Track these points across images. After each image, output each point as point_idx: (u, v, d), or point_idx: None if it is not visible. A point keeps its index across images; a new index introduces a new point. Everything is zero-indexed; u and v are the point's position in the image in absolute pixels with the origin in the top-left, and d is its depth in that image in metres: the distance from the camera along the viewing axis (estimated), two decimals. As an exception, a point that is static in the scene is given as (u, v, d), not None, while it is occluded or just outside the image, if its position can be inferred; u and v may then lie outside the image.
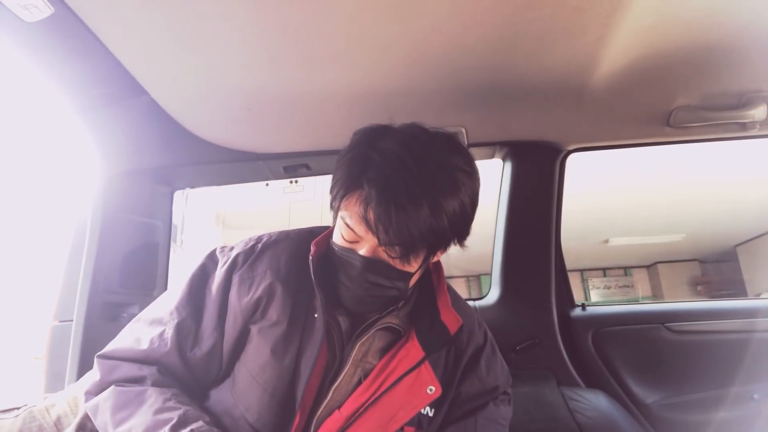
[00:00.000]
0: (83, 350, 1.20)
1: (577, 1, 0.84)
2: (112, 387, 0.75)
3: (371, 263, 0.73)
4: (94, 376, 0.78)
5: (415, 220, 0.67)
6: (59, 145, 1.37)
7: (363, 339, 0.81)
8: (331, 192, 0.76)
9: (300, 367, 0.78)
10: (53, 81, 1.05)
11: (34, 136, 1.39)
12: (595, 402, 1.27)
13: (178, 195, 1.55)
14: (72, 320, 1.24)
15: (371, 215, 0.69)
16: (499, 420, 0.86)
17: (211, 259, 0.86)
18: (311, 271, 0.78)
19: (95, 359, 0.80)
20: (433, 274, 0.88)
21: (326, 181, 0.84)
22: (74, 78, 1.05)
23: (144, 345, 0.78)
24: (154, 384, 0.74)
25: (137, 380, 0.75)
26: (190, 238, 4.21)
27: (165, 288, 1.45)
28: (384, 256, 0.73)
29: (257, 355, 0.78)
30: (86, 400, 0.77)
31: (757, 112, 1.19)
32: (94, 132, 1.24)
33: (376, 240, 0.71)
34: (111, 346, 0.81)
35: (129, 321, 0.86)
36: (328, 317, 0.80)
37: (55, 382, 1.23)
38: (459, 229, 0.74)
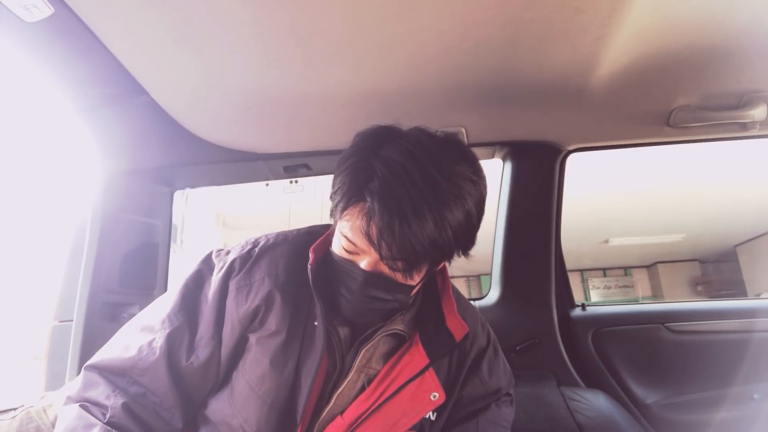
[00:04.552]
0: (83, 350, 1.20)
1: (576, 1, 0.84)
2: (77, 407, 0.73)
3: (372, 277, 0.71)
4: (77, 383, 0.77)
5: (419, 235, 0.65)
6: (59, 145, 1.37)
7: (367, 345, 0.80)
8: (331, 199, 0.74)
9: (300, 377, 0.77)
10: (53, 81, 1.05)
11: (34, 136, 1.39)
12: (595, 402, 1.27)
13: (178, 195, 1.55)
14: (72, 320, 1.24)
15: (373, 230, 0.66)
16: (500, 422, 0.86)
17: (207, 264, 0.84)
18: (310, 280, 0.76)
19: (83, 369, 0.78)
20: (437, 276, 0.87)
21: (326, 181, 0.83)
22: (74, 78, 1.05)
23: (132, 353, 0.76)
24: (111, 421, 0.71)
25: (103, 408, 0.72)
26: (190, 238, 4.21)
27: (165, 288, 1.45)
28: (385, 270, 0.71)
29: (256, 366, 0.77)
30: (64, 404, 0.76)
31: (757, 112, 1.19)
32: (94, 132, 1.24)
33: (377, 255, 0.68)
34: (100, 355, 0.79)
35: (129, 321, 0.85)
36: (328, 325, 0.78)
37: (54, 382, 1.22)
38: (464, 241, 0.72)
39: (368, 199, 0.66)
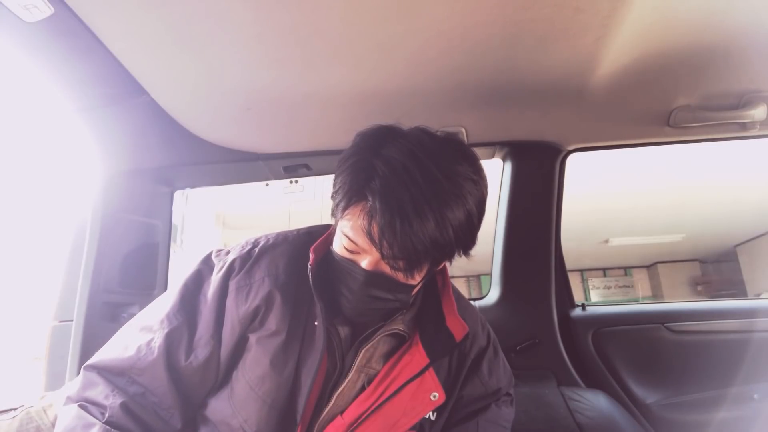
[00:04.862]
0: (83, 350, 1.20)
1: (576, 1, 0.84)
2: (76, 407, 0.73)
3: (373, 277, 0.71)
4: (76, 383, 0.77)
5: (420, 235, 0.65)
6: (59, 145, 1.37)
7: (367, 345, 0.80)
8: (332, 198, 0.74)
9: (300, 377, 0.77)
10: (53, 81, 1.05)
11: (34, 136, 1.39)
12: (595, 402, 1.27)
13: (178, 195, 1.55)
14: (72, 320, 1.24)
15: (375, 229, 0.66)
16: (500, 422, 0.86)
17: (207, 264, 0.84)
18: (310, 281, 0.76)
19: (82, 369, 0.78)
20: (437, 276, 0.87)
21: (326, 181, 0.83)
22: (74, 78, 1.05)
23: (131, 352, 0.76)
24: (110, 420, 0.71)
25: (101, 408, 0.72)
26: (190, 238, 4.21)
27: (165, 288, 1.45)
28: (387, 269, 0.71)
29: (256, 366, 0.77)
30: (64, 404, 0.76)
31: (757, 112, 1.19)
32: (94, 132, 1.24)
33: (379, 254, 0.69)
34: (99, 355, 0.79)
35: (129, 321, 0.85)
36: (328, 325, 0.78)
37: (54, 382, 1.22)
38: (465, 240, 0.72)
39: (369, 199, 0.67)
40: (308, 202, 4.32)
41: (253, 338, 0.78)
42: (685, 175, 4.78)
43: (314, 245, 0.78)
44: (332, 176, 0.75)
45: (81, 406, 0.73)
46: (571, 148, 1.41)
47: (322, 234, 0.82)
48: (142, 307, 0.87)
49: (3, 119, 1.25)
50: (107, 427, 0.70)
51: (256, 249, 0.82)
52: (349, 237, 0.71)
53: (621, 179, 4.82)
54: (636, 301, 7.79)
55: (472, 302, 1.46)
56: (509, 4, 0.84)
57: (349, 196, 0.69)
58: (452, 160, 0.70)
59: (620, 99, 1.18)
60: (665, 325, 1.46)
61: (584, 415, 1.21)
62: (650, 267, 8.81)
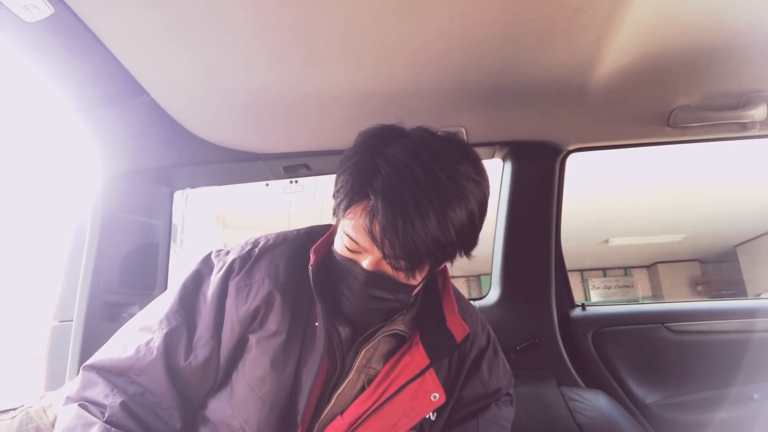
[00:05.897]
0: (83, 350, 1.20)
1: (576, 2, 0.84)
2: (76, 406, 0.73)
3: (374, 277, 0.71)
4: (75, 383, 0.77)
5: (422, 235, 0.65)
6: (59, 145, 1.37)
7: (368, 345, 0.80)
8: (334, 197, 0.74)
9: (301, 378, 0.77)
10: (53, 81, 1.05)
11: (34, 136, 1.39)
12: (595, 402, 1.27)
13: (178, 195, 1.55)
14: (72, 320, 1.24)
15: (377, 228, 0.66)
16: (500, 422, 0.86)
17: (206, 264, 0.84)
18: (311, 281, 0.76)
19: (81, 369, 0.78)
20: (438, 276, 0.87)
21: (326, 181, 0.83)
22: (74, 78, 1.05)
23: (130, 352, 0.76)
24: (110, 420, 0.71)
25: (101, 408, 0.72)
26: (190, 238, 4.21)
27: (165, 288, 1.45)
28: (388, 269, 0.71)
29: (256, 367, 0.77)
30: (63, 404, 0.76)
31: (757, 112, 1.19)
32: (94, 132, 1.24)
33: (380, 254, 0.69)
34: (98, 355, 0.79)
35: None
36: (328, 325, 0.78)
37: (54, 382, 1.22)
38: (466, 240, 0.72)
39: (372, 198, 0.67)
40: (308, 202, 4.32)
41: (253, 339, 0.78)
42: (685, 175, 4.78)
43: (315, 245, 0.78)
44: (332, 176, 0.75)
45: (81, 406, 0.73)
46: (571, 148, 1.41)
47: (322, 234, 0.82)
48: (142, 307, 0.87)
49: (3, 119, 1.25)
50: (107, 426, 0.70)
51: (256, 249, 0.82)
52: (351, 236, 0.71)
53: (621, 179, 4.83)
54: (636, 301, 7.80)
55: (472, 302, 1.46)
56: (509, 4, 0.84)
57: (351, 195, 0.69)
58: (454, 160, 0.70)
59: (620, 99, 1.18)
60: (665, 325, 1.46)
61: (584, 415, 1.21)
62: (650, 267, 8.82)
